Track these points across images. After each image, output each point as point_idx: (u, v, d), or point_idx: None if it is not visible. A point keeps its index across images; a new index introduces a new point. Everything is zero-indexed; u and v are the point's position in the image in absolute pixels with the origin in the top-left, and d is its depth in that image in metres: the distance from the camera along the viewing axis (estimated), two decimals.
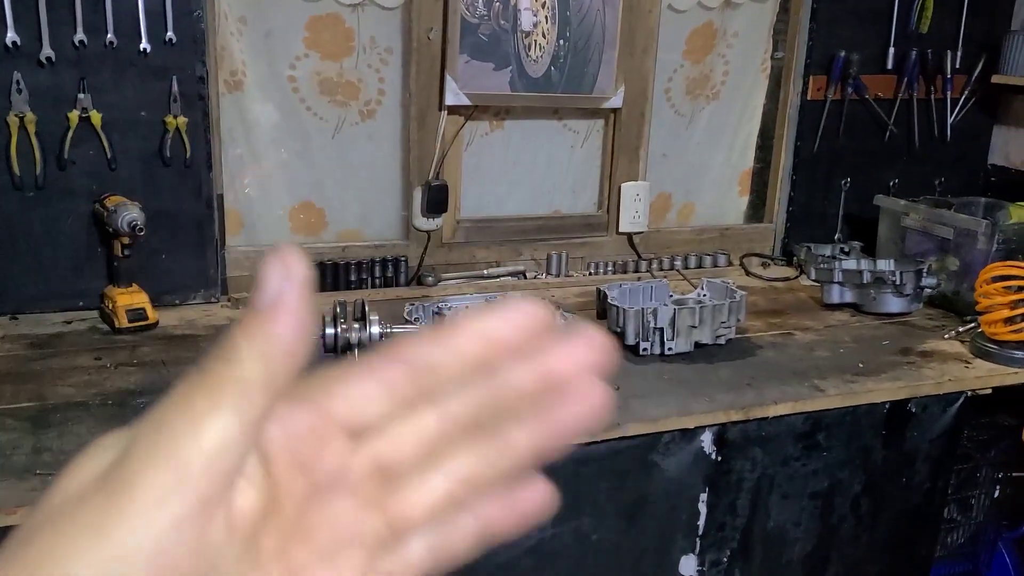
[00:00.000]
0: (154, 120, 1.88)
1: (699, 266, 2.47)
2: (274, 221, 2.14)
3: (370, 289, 2.14)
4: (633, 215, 2.37)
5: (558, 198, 2.39)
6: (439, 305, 1.86)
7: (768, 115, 2.56)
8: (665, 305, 1.82)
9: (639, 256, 2.42)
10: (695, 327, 1.80)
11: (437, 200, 2.12)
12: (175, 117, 1.88)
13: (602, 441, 1.51)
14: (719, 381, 1.70)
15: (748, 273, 2.46)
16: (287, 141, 2.10)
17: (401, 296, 2.11)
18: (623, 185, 2.35)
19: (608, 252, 2.40)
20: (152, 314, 1.85)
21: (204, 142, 1.93)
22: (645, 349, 1.79)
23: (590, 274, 2.36)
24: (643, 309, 1.78)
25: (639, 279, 2.31)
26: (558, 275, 2.33)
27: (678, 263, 2.45)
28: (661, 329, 1.78)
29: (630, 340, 1.78)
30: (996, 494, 2.22)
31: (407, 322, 1.76)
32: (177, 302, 2.00)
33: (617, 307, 1.81)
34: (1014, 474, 2.26)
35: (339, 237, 2.19)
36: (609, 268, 2.38)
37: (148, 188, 1.90)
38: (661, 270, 2.42)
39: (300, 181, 2.14)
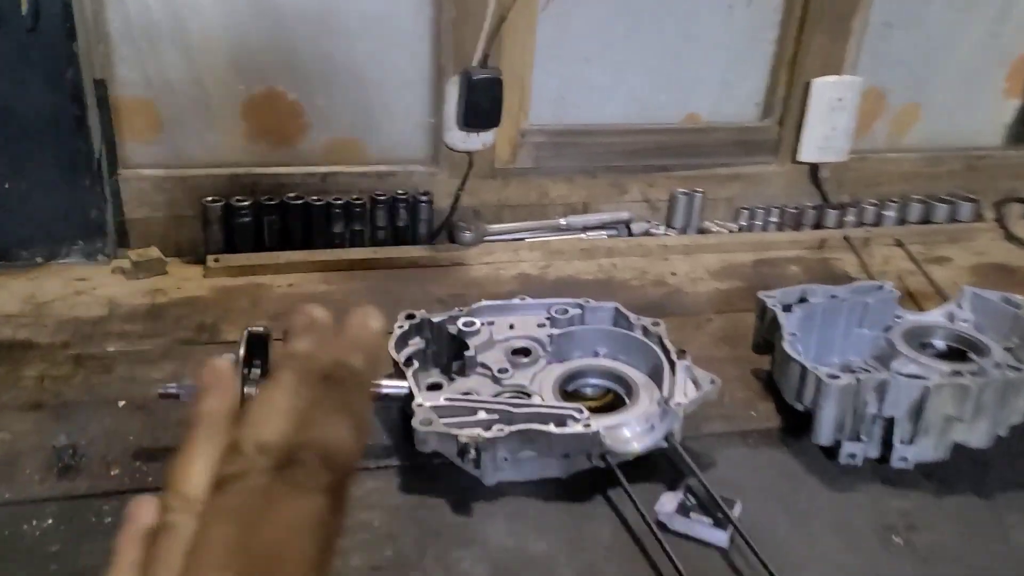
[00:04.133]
0: None
1: (925, 220, 1.49)
2: (218, 119, 1.28)
3: (365, 247, 1.28)
4: (827, 132, 1.40)
5: (697, 97, 1.43)
6: (471, 319, 0.98)
7: None
8: (903, 376, 0.90)
9: (825, 200, 1.47)
10: (961, 421, 0.88)
11: (483, 103, 1.20)
12: None
13: None
14: (1013, 550, 0.81)
15: (1010, 236, 1.47)
16: None
17: (415, 259, 1.25)
18: (816, 81, 1.37)
19: (773, 191, 1.45)
20: None
21: None
22: (852, 456, 0.89)
23: (740, 229, 1.43)
24: (858, 382, 0.87)
25: (822, 242, 1.37)
26: (685, 229, 1.41)
27: (890, 213, 1.48)
28: (890, 420, 0.88)
29: (824, 437, 0.89)
30: None
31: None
32: (40, 260, 1.20)
33: (800, 363, 0.90)
34: None
35: (326, 150, 1.32)
36: (772, 219, 1.44)
37: None
38: (861, 224, 1.46)
39: (258, 57, 1.25)
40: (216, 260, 1.22)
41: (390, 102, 1.30)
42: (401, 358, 0.93)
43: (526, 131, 1.34)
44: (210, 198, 1.23)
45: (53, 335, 1.06)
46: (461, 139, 1.25)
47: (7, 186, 1.14)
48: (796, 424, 0.95)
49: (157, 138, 1.25)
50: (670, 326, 1.14)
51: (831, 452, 0.91)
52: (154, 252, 1.21)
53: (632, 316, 1.00)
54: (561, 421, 0.85)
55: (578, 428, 0.84)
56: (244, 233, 1.24)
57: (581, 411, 0.86)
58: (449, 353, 1.01)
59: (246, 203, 1.23)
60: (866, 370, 1.01)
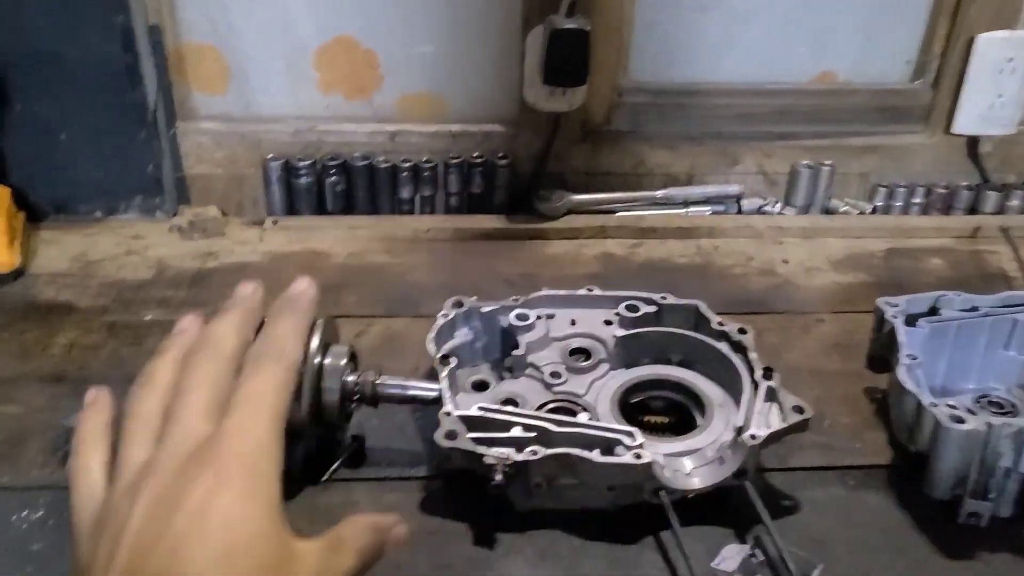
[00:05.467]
0: None
1: None
2: (287, 69, 1.18)
3: (433, 214, 1.17)
4: (991, 99, 1.16)
5: (834, 52, 1.22)
6: (524, 312, 0.86)
7: None
8: None
9: (984, 179, 1.23)
10: None
11: (566, 57, 1.04)
12: None
13: None
14: None
15: None
16: None
17: (487, 231, 1.13)
18: (981, 36, 1.13)
19: (919, 166, 1.23)
20: (6, 255, 1.02)
21: None
22: (975, 516, 0.71)
23: (874, 210, 1.22)
24: (989, 429, 0.68)
25: (975, 230, 1.15)
26: (807, 208, 1.21)
27: None
28: None
29: (940, 490, 0.71)
30: None
31: (442, 363, 0.79)
32: (99, 214, 1.15)
33: (915, 397, 0.72)
34: None
35: (399, 105, 1.20)
36: (915, 200, 1.22)
37: (11, 15, 1.01)
38: None
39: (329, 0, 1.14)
40: (275, 222, 1.13)
41: (471, 53, 1.16)
42: (438, 354, 0.81)
43: (624, 89, 1.17)
44: (270, 156, 1.14)
45: (95, 298, 1.00)
46: (544, 97, 1.10)
47: (63, 137, 1.08)
48: (911, 462, 0.77)
49: (227, 89, 1.17)
50: (772, 326, 0.98)
51: (950, 505, 0.73)
52: (212, 211, 1.13)
53: (715, 319, 0.84)
54: (608, 447, 0.71)
55: (627, 458, 0.70)
56: (304, 195, 1.14)
57: (633, 436, 0.71)
58: (503, 347, 0.88)
59: (306, 163, 1.13)
60: (1008, 403, 0.82)
